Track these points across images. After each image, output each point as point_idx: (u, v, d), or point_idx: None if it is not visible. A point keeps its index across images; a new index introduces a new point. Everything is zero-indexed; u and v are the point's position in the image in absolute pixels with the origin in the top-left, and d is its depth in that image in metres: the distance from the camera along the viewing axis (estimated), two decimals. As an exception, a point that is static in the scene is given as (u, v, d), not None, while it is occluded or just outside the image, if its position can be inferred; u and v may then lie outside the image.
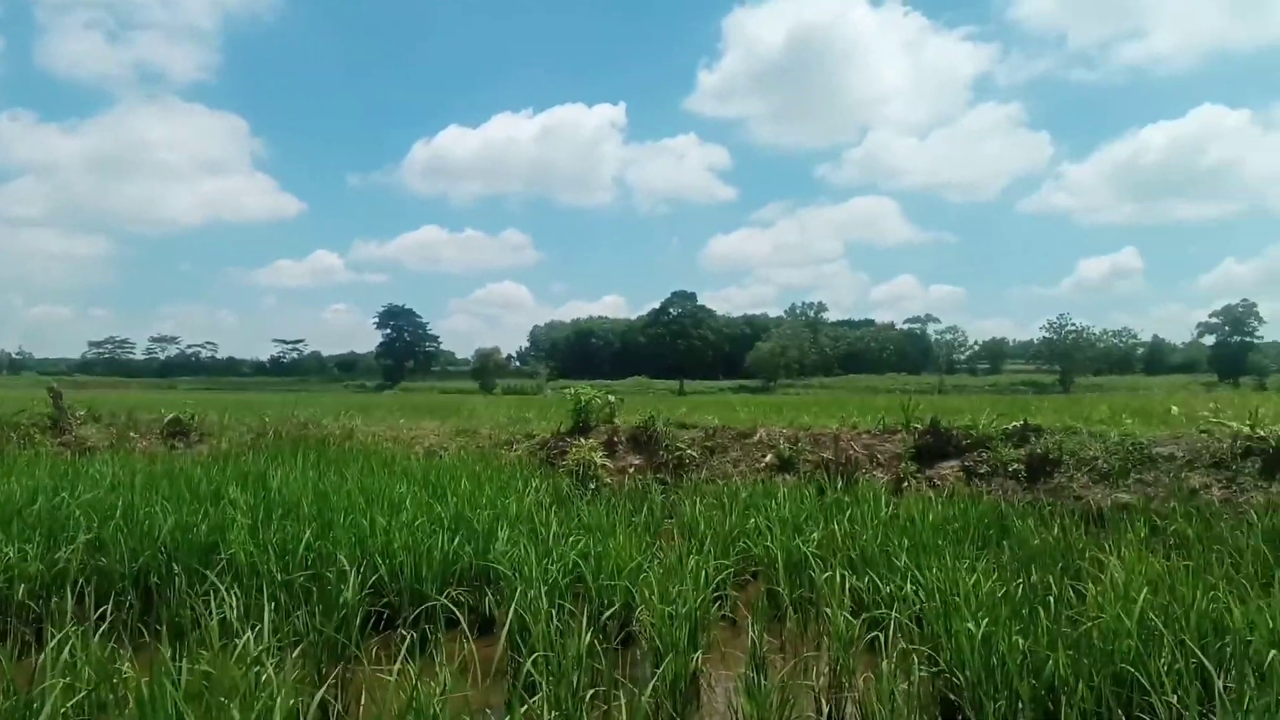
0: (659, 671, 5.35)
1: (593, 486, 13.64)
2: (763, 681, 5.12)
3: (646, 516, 10.18)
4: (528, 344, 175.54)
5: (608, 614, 6.44)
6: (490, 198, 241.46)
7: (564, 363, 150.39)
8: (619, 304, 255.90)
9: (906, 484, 13.18)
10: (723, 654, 6.50)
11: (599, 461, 14.62)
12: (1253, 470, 11.89)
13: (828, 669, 5.71)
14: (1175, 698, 4.45)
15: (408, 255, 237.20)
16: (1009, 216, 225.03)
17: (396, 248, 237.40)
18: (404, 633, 5.39)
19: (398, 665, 4.48)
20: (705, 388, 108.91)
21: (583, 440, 15.72)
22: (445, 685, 4.41)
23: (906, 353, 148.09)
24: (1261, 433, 12.35)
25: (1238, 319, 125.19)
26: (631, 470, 14.92)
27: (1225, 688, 4.38)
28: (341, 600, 6.26)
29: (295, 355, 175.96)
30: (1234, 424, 12.91)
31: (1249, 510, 10.30)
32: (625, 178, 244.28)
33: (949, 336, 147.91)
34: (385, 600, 7.27)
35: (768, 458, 14.76)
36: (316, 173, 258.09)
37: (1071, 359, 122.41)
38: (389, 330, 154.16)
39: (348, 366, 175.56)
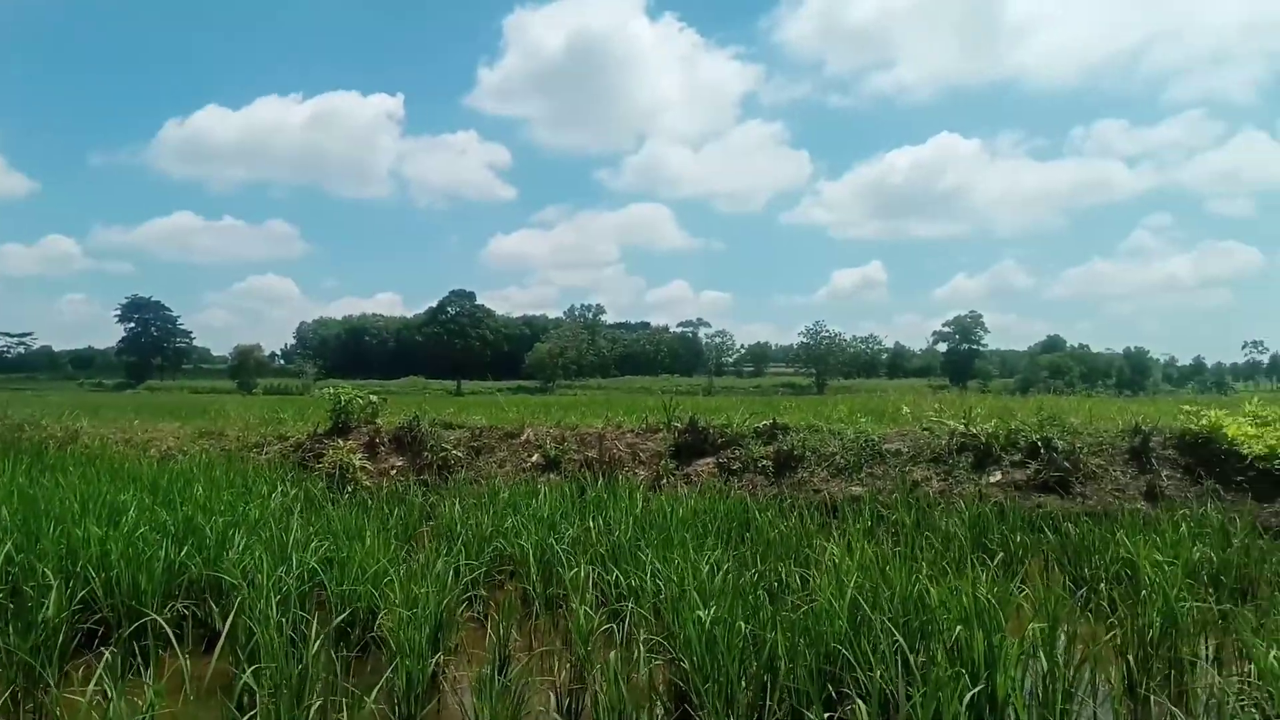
0: (387, 675, 5.21)
1: (350, 489, 13.12)
2: (498, 679, 5.10)
3: (402, 519, 9.91)
4: (294, 341, 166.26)
5: (340, 620, 6.21)
6: (253, 185, 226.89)
7: (334, 361, 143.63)
8: (394, 301, 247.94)
9: (665, 480, 13.63)
10: (469, 655, 6.43)
11: (358, 463, 14.08)
12: (965, 464, 13.27)
13: (569, 663, 5.79)
14: (878, 673, 4.86)
15: (157, 243, 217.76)
16: (773, 228, 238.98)
17: (144, 235, 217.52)
18: (112, 650, 4.93)
19: (92, 685, 4.07)
20: (483, 388, 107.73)
21: (341, 441, 15.07)
22: (151, 704, 4.06)
23: (680, 355, 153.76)
24: (974, 430, 13.82)
25: (966, 329, 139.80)
26: (393, 472, 14.48)
27: (919, 662, 4.84)
28: (41, 618, 5.65)
29: (22, 350, 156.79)
30: (951, 422, 14.36)
31: (959, 499, 11.49)
32: (402, 171, 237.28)
33: (718, 340, 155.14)
34: (99, 616, 6.64)
35: (534, 457, 14.79)
36: (52, 149, 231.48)
37: (825, 363, 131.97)
38: (133, 324, 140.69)
39: (84, 363, 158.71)
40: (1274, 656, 4.56)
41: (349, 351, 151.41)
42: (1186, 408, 14.18)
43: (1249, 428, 12.97)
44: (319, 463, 14.39)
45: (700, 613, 5.39)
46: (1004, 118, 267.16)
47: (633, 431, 15.89)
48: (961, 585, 5.48)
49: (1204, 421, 13.09)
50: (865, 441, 14.13)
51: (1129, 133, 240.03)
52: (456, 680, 5.94)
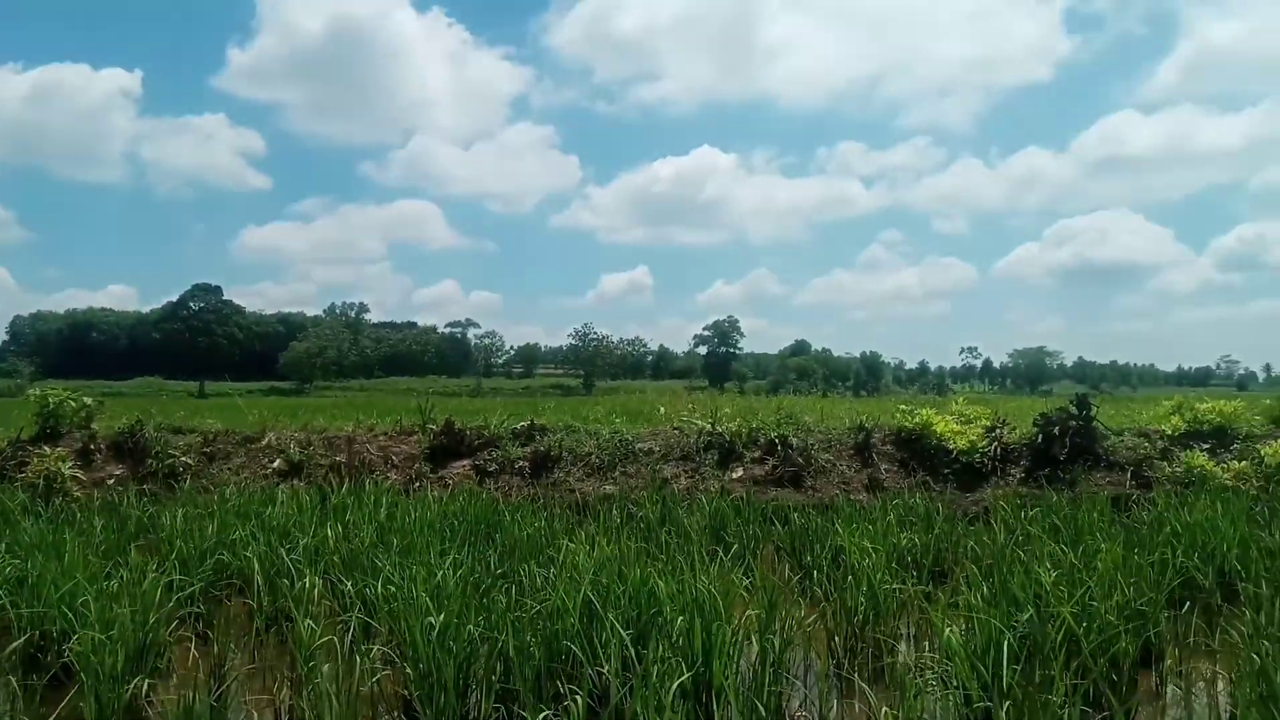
0: (75, 702, 4.70)
1: (58, 501, 11.76)
2: (209, 700, 4.73)
3: (113, 532, 9.00)
4: (6, 337, 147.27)
5: (20, 644, 5.55)
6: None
7: (55, 360, 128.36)
8: (128, 295, 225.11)
9: (418, 484, 13.28)
10: (181, 677, 5.92)
11: (67, 473, 12.65)
12: (712, 461, 13.92)
13: (289, 680, 5.47)
14: (607, 666, 4.95)
15: None
16: (543, 230, 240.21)
17: None
18: None
19: None
20: (230, 389, 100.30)
21: (49, 449, 13.47)
22: None
23: (448, 356, 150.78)
24: (720, 429, 14.52)
25: (725, 332, 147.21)
26: (111, 481, 13.14)
27: (638, 654, 4.98)
28: None
29: None
30: (700, 422, 15.00)
31: (704, 495, 12.01)
32: (139, 154, 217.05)
33: (487, 341, 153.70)
34: None
35: (276, 463, 13.92)
36: None
37: (594, 364, 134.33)
38: None
39: None
40: (950, 633, 5.10)
41: (72, 349, 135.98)
42: (903, 407, 15.64)
43: (954, 425, 14.49)
44: (21, 473, 12.81)
45: (430, 619, 5.27)
46: (758, 135, 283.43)
47: (386, 434, 15.37)
48: (686, 579, 5.70)
49: (916, 420, 14.47)
50: (620, 441, 14.46)
51: (866, 155, 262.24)
52: (163, 705, 5.44)
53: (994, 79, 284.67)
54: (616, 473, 13.63)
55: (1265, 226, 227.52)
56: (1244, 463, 13.06)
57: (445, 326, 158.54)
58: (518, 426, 14.88)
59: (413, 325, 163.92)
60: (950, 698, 4.84)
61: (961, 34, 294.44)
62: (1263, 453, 13.18)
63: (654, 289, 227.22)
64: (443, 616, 5.21)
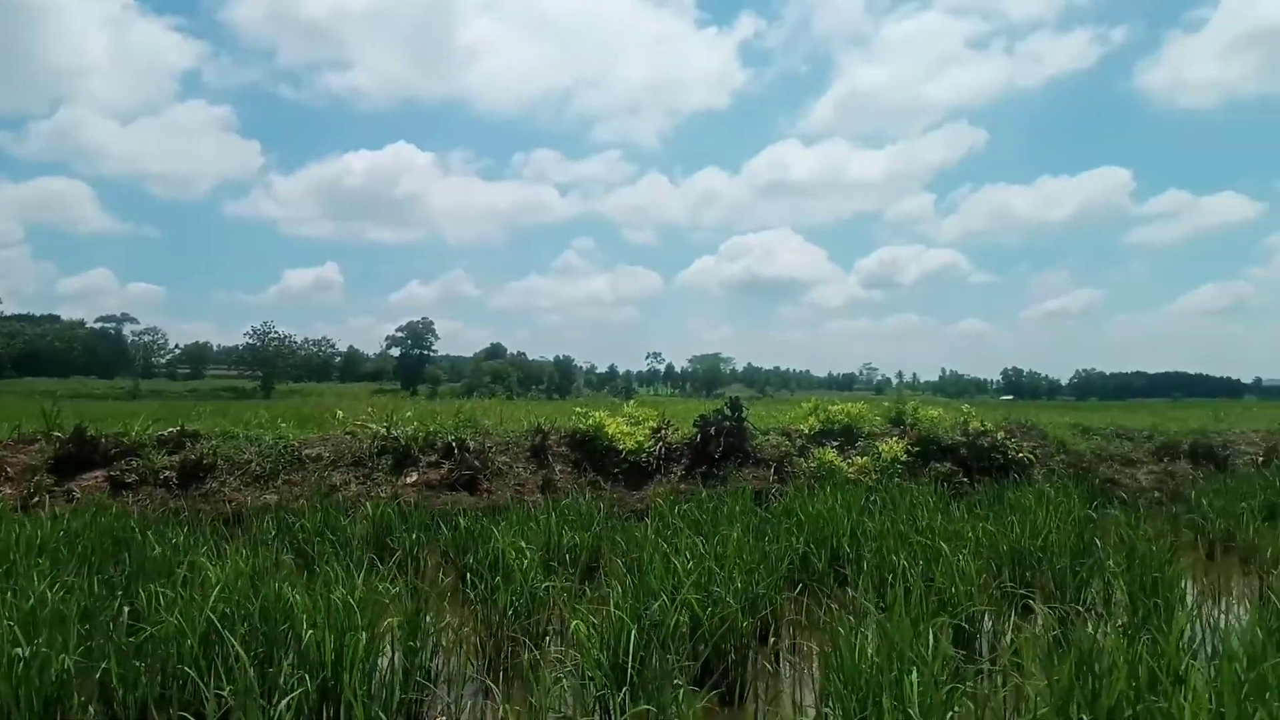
0: None
1: None
2: None
3: None
4: None
5: None
6: None
7: None
8: None
9: (38, 499, 11.64)
10: None
11: None
12: (386, 466, 13.51)
13: None
14: (230, 687, 4.61)
15: None
16: (217, 219, 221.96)
17: None
18: None
19: None
20: None
21: None
22: None
23: (99, 354, 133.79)
24: (395, 433, 14.13)
25: (419, 334, 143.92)
26: None
27: (264, 672, 4.70)
28: None
29: None
30: (374, 426, 14.51)
31: (371, 502, 11.61)
32: None
33: (147, 338, 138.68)
34: None
35: None
36: None
37: (274, 365, 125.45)
38: None
39: None
40: (578, 625, 5.33)
41: None
42: (578, 409, 16.17)
43: (624, 427, 15.22)
44: None
45: (19, 649, 4.62)
46: (456, 135, 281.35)
47: (1, 443, 13.33)
48: (317, 591, 5.47)
49: (590, 422, 15.02)
50: (285, 447, 13.64)
51: (561, 164, 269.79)
52: None
53: (678, 102, 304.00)
54: (280, 481, 12.82)
55: (899, 251, 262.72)
56: (865, 458, 14.92)
57: (96, 321, 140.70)
58: (165, 433, 13.52)
59: (55, 319, 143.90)
60: (584, 689, 5.03)
61: (648, 58, 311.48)
62: (880, 449, 15.14)
63: (344, 287, 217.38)
64: (31, 648, 4.58)
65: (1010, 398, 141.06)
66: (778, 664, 6.52)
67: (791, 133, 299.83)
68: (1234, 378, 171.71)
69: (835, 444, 15.62)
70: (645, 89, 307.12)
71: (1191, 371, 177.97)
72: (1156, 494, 15.14)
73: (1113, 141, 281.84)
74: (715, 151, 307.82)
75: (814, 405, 17.50)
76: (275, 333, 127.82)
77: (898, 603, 5.27)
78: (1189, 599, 8.23)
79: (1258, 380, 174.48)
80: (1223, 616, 7.85)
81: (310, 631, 4.87)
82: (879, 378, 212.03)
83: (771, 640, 6.53)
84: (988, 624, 6.55)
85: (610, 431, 14.84)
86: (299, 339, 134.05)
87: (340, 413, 19.39)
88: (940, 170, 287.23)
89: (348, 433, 14.61)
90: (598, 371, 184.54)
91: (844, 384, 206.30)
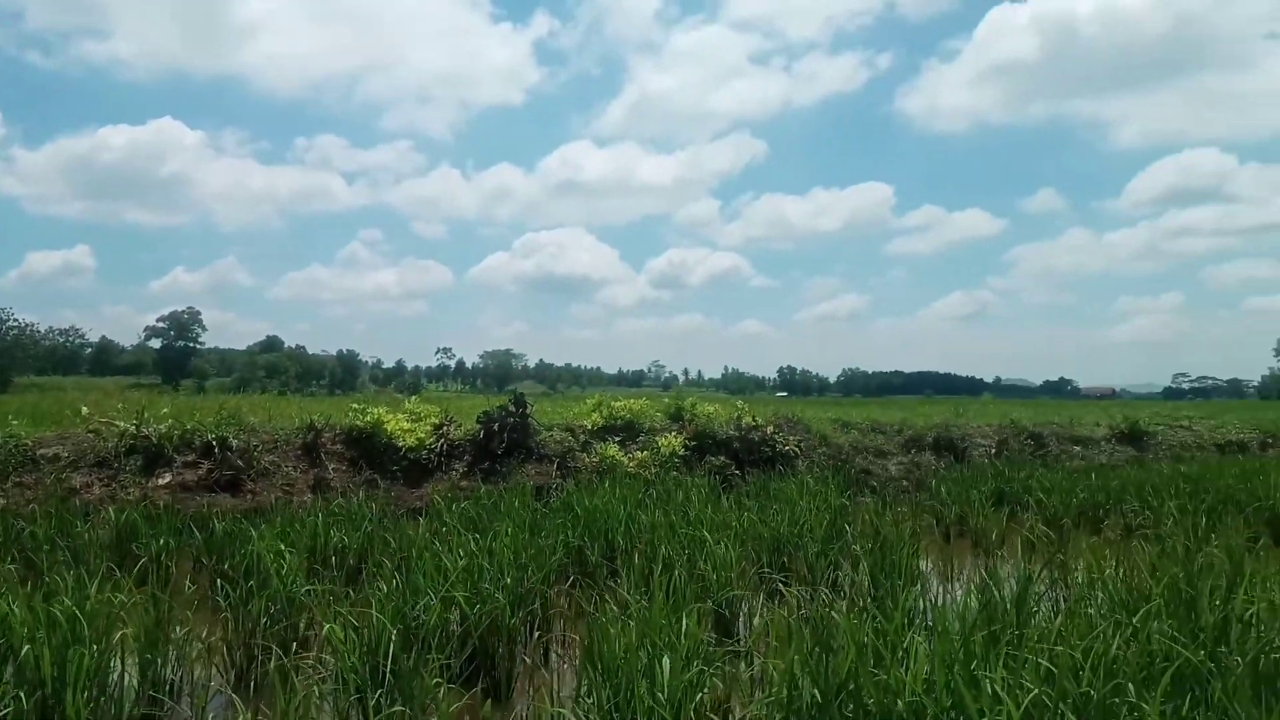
0: None
1: None
2: None
3: None
4: None
5: None
6: None
7: None
8: None
9: None
10: None
11: None
12: (135, 466, 12.42)
13: None
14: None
15: None
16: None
17: None
18: None
19: None
20: None
21: None
22: None
23: None
24: (146, 431, 13.02)
25: (183, 325, 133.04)
26: None
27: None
28: None
29: None
30: (122, 423, 13.30)
31: (116, 505, 10.65)
32: None
33: None
34: None
35: None
36: None
37: (13, 357, 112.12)
38: None
39: None
40: (333, 629, 5.14)
41: None
42: (355, 405, 15.57)
43: (405, 423, 14.81)
44: None
45: None
46: (230, 114, 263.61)
47: None
48: (37, 603, 4.97)
49: (368, 418, 14.51)
50: (16, 447, 12.25)
51: (348, 151, 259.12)
52: None
53: (472, 95, 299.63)
54: (8, 484, 11.50)
55: (687, 253, 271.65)
56: (645, 453, 15.33)
57: None
58: None
59: None
60: (339, 694, 4.86)
61: (440, 47, 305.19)
62: (660, 443, 15.61)
63: (96, 272, 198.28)
64: None
65: (785, 394, 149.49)
66: (547, 657, 6.58)
67: (585, 133, 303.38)
68: (977, 377, 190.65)
69: (618, 439, 15.95)
70: (437, 79, 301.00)
71: (941, 371, 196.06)
72: (904, 483, 16.53)
73: (877, 158, 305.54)
74: (509, 147, 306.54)
75: (598, 402, 17.79)
76: (14, 320, 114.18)
77: (660, 591, 5.46)
78: (925, 578, 9.07)
79: (997, 379, 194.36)
80: (950, 593, 8.68)
81: (28, 647, 4.39)
82: (667, 375, 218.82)
83: (537, 634, 6.57)
84: (745, 608, 6.92)
85: (390, 428, 14.41)
86: (43, 328, 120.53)
87: (85, 409, 17.67)
88: (725, 177, 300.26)
89: (91, 430, 13.32)
90: (384, 367, 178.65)
91: (634, 381, 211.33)
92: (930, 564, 10.27)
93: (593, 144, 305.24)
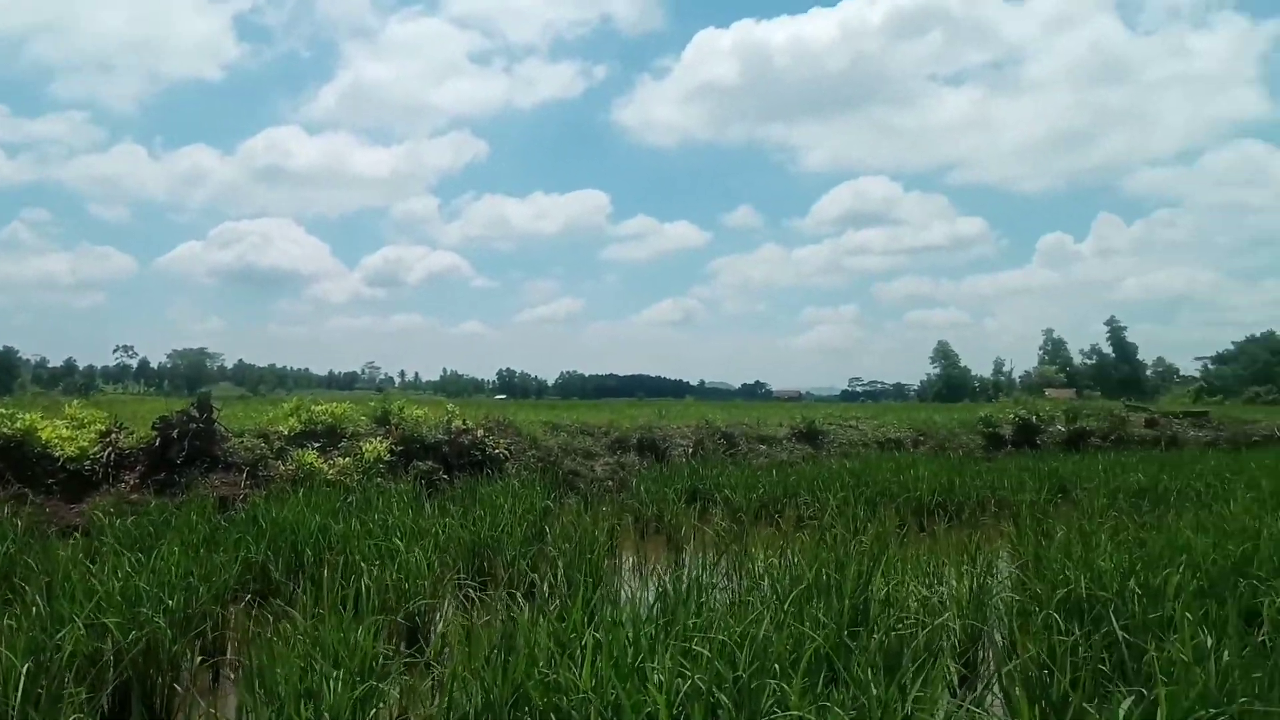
0: None
1: None
2: None
3: None
4: None
5: None
6: None
7: None
8: None
9: None
10: None
11: None
12: None
13: None
14: None
15: None
16: None
17: None
18: None
19: None
20: None
21: None
22: None
23: None
24: None
25: None
26: None
27: None
28: None
29: None
30: None
31: None
32: None
33: None
34: None
35: None
36: None
37: None
38: None
39: None
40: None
41: None
42: (2, 411, 13.61)
43: (64, 431, 13.15)
44: None
45: None
46: None
47: None
48: None
49: (18, 426, 12.73)
50: None
51: (10, 120, 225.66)
52: None
53: (162, 66, 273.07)
54: None
55: (404, 250, 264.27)
56: (348, 459, 14.70)
57: None
58: None
59: None
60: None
61: (125, 11, 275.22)
62: (364, 449, 15.03)
63: None
64: None
65: (504, 397, 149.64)
66: (217, 682, 6.11)
67: (294, 118, 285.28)
68: (685, 380, 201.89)
69: (318, 445, 15.16)
70: (121, 45, 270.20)
71: (653, 374, 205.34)
72: (609, 483, 17.13)
73: (595, 167, 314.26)
74: (205, 127, 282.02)
75: (296, 405, 16.81)
76: None
77: (345, 605, 5.25)
78: (619, 575, 9.46)
79: (702, 382, 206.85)
80: (644, 589, 9.10)
81: None
82: (382, 377, 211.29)
83: (200, 660, 6.08)
84: (437, 617, 6.83)
85: (45, 436, 12.73)
86: None
87: None
88: (445, 175, 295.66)
89: None
90: (50, 366, 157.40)
91: (346, 383, 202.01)
92: (626, 561, 10.73)
93: (303, 130, 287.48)
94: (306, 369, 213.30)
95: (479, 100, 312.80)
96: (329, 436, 15.82)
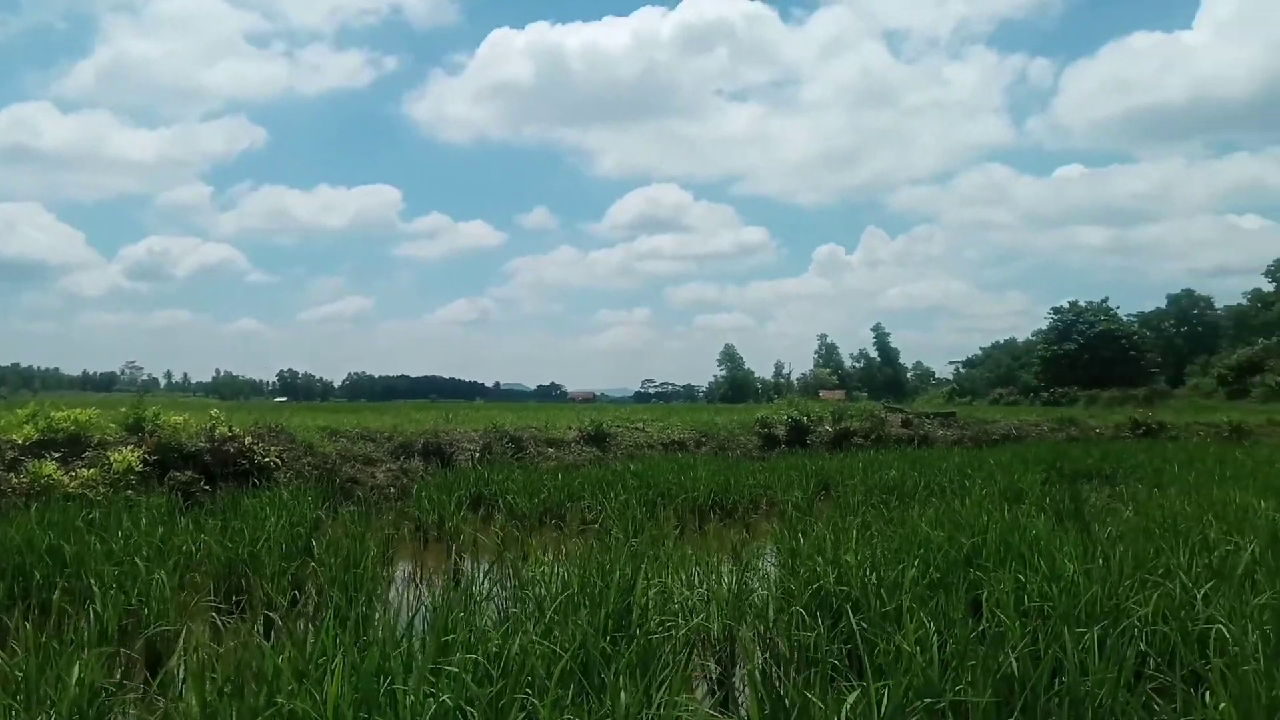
0: None
1: None
2: None
3: None
4: None
5: None
6: None
7: None
8: None
9: None
10: None
11: None
12: None
13: None
14: None
15: None
16: None
17: None
18: None
19: None
20: None
21: None
22: None
23: None
24: None
25: None
26: None
27: None
28: None
29: None
30: None
31: None
32: None
33: None
34: None
35: None
36: None
37: None
38: None
39: None
40: None
41: None
42: None
43: None
44: None
45: None
46: None
47: None
48: None
49: None
50: None
51: None
52: None
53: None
54: None
55: (171, 241, 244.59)
56: (94, 470, 13.40)
57: None
58: None
59: None
60: None
61: None
62: (113, 459, 13.74)
63: None
64: None
65: (285, 399, 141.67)
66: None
67: (43, 94, 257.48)
68: (479, 381, 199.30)
69: (58, 455, 13.72)
70: None
71: (446, 376, 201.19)
72: (391, 490, 16.60)
73: (385, 161, 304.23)
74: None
75: (32, 411, 15.13)
76: None
77: (73, 634, 4.77)
78: (393, 587, 9.18)
79: (496, 384, 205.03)
80: (418, 601, 8.87)
81: None
82: (145, 377, 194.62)
83: None
84: (182, 642, 6.35)
85: None
86: None
87: None
88: (218, 162, 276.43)
89: None
90: None
91: (104, 384, 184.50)
92: (401, 572, 10.44)
93: (54, 107, 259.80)
94: (56, 369, 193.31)
95: (257, 84, 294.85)
96: (72, 446, 14.36)
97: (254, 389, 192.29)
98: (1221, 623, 5.07)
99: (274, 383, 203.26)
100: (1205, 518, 8.88)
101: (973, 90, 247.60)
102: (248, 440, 15.80)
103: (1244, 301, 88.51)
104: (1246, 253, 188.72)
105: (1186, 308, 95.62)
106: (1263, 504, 9.97)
